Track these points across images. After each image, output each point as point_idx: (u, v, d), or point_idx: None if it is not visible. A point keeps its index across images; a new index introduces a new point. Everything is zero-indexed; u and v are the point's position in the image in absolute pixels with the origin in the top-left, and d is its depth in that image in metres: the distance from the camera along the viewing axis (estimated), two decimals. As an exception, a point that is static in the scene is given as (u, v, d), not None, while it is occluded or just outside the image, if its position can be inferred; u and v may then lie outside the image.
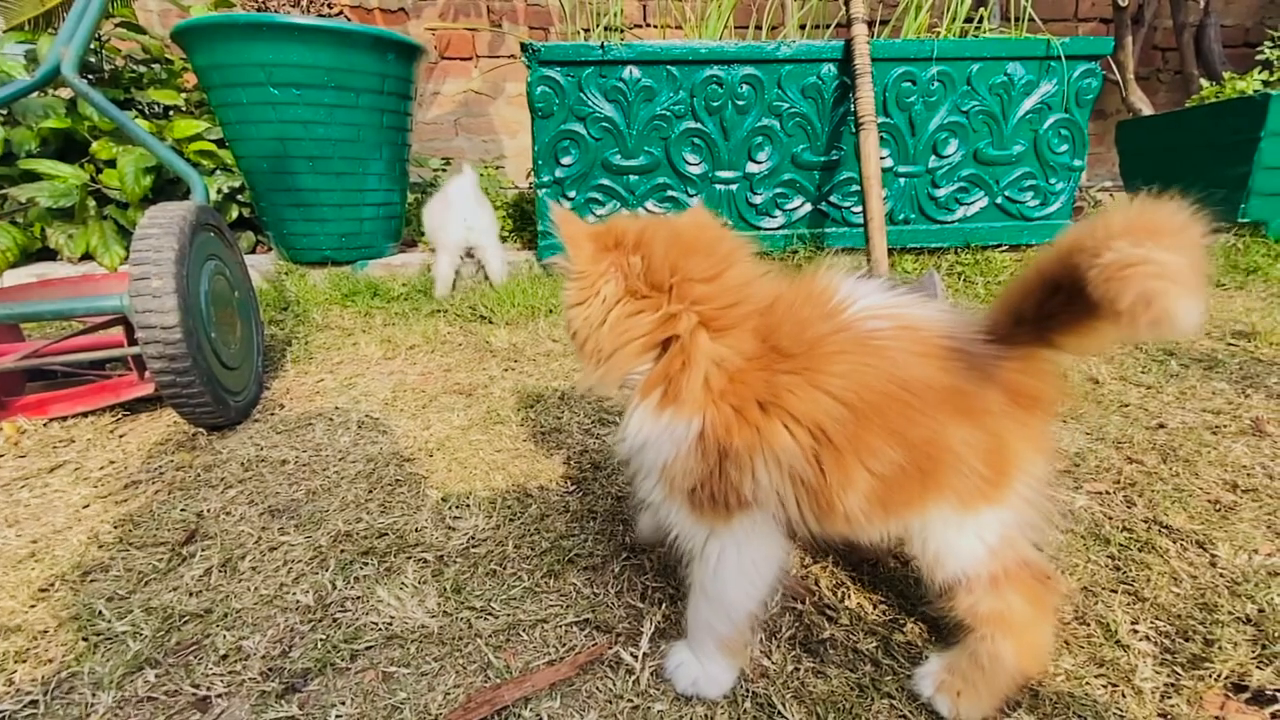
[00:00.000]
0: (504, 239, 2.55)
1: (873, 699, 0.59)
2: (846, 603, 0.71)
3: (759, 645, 0.66)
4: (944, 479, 0.53)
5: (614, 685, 0.62)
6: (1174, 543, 0.79)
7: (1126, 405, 1.18)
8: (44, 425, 1.22)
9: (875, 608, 0.71)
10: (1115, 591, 0.71)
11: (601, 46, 1.85)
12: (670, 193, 2.01)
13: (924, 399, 0.52)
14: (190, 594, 0.76)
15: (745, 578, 0.57)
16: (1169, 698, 0.59)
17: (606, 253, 0.59)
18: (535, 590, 0.75)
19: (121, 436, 1.19)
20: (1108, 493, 0.91)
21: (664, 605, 0.72)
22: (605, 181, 1.98)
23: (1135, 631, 0.66)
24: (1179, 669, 0.62)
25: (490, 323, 1.80)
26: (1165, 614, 0.68)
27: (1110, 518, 0.85)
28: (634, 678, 0.63)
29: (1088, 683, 0.60)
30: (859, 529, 0.57)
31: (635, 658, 0.65)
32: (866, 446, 0.52)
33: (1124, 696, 0.59)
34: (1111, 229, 0.46)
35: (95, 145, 2.11)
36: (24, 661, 0.66)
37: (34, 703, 0.61)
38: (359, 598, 0.74)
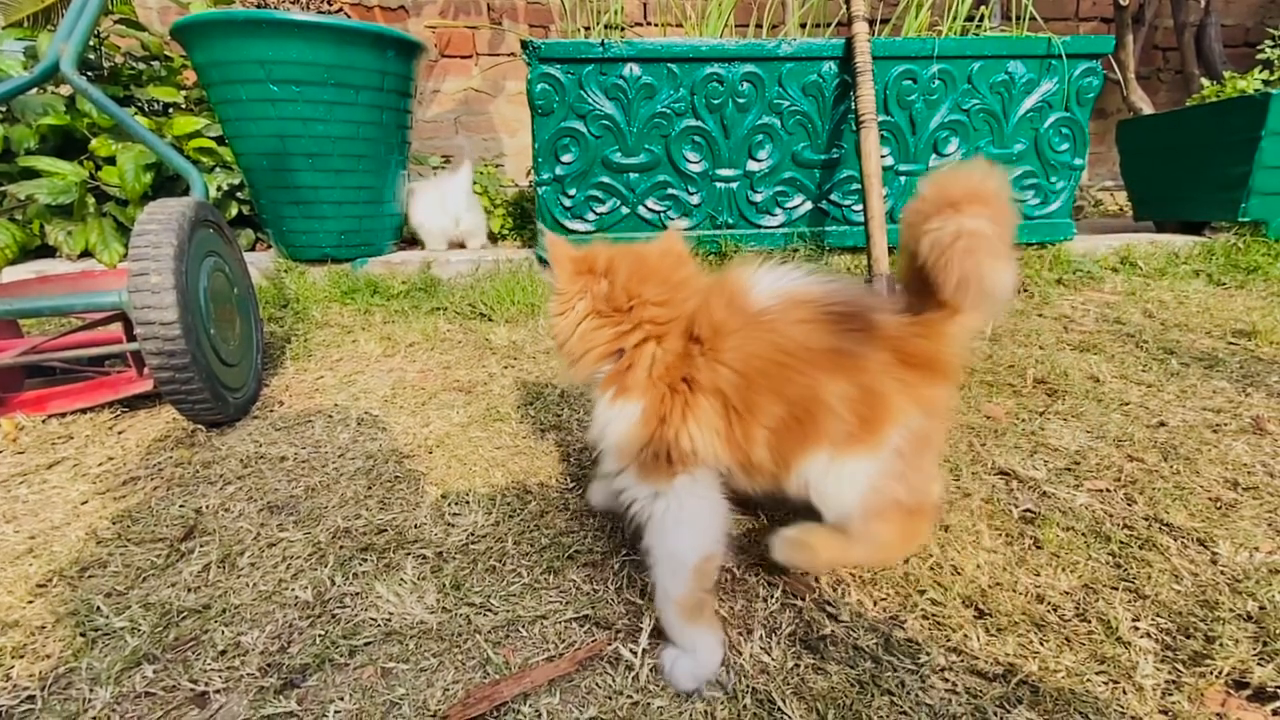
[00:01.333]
0: (503, 237, 2.55)
1: (873, 695, 0.59)
2: (847, 599, 0.71)
3: (759, 642, 0.65)
4: (820, 428, 0.63)
5: (613, 681, 0.62)
6: (1175, 540, 0.79)
7: (1127, 403, 1.17)
8: (43, 422, 1.22)
9: (875, 604, 0.71)
10: (1116, 589, 0.71)
11: (602, 44, 1.85)
12: (670, 191, 2.01)
13: (800, 360, 0.62)
14: (189, 590, 0.76)
15: (687, 528, 0.65)
16: (1170, 695, 0.59)
17: (581, 276, 0.71)
18: (535, 587, 0.75)
19: (120, 433, 1.19)
20: (1108, 490, 0.91)
21: (664, 602, 0.72)
22: (605, 179, 1.98)
23: (1136, 628, 0.66)
24: (1180, 666, 0.62)
25: (490, 320, 1.80)
26: (1166, 611, 0.68)
27: (1111, 515, 0.85)
28: (633, 674, 0.62)
29: (1089, 680, 0.60)
30: (774, 480, 0.67)
31: (635, 654, 0.64)
32: (757, 405, 0.63)
33: (1125, 693, 0.59)
34: (925, 208, 0.55)
35: (94, 142, 2.11)
36: (21, 657, 0.66)
37: (31, 698, 0.61)
38: (358, 594, 0.74)
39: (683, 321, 0.68)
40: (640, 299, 0.68)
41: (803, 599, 0.71)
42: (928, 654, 0.63)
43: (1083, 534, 0.81)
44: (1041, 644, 0.64)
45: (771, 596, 0.72)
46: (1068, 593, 0.71)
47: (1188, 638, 0.65)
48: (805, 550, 0.68)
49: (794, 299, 0.64)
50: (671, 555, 0.64)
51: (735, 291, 0.67)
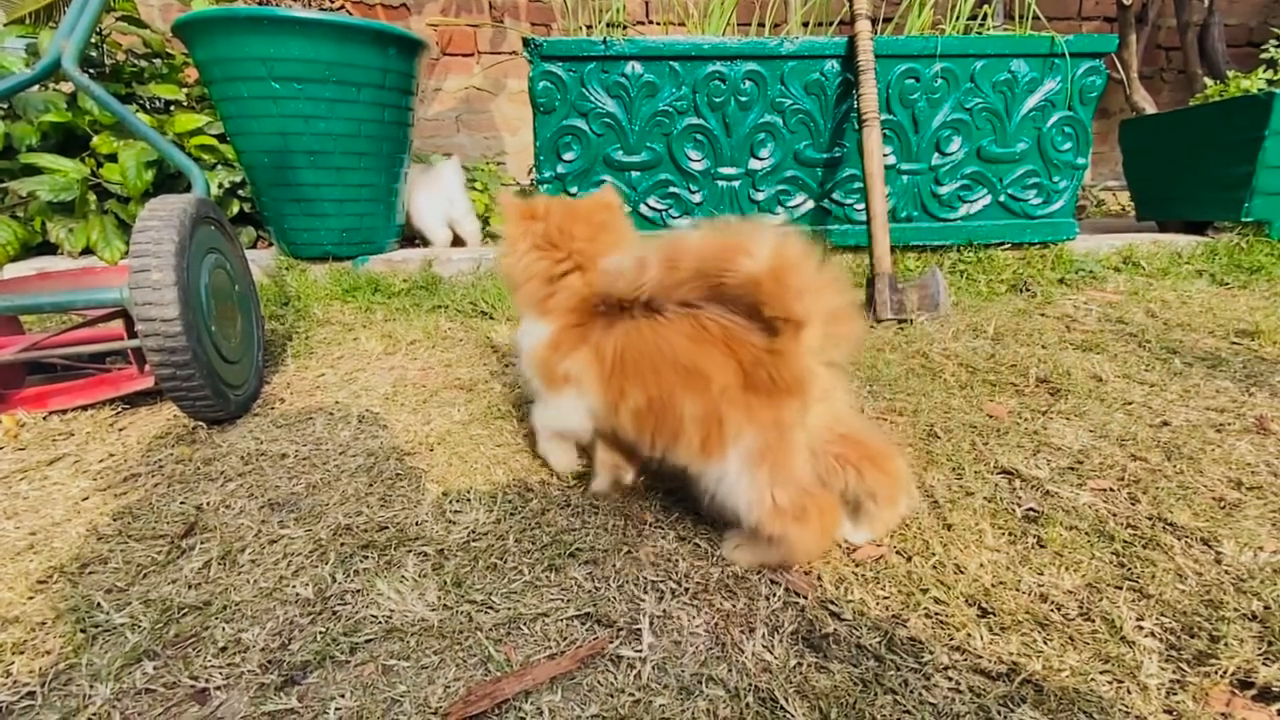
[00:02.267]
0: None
1: (876, 694, 0.59)
2: (850, 598, 0.71)
3: (761, 640, 0.65)
4: (683, 436, 0.73)
5: (615, 679, 0.61)
6: (1179, 540, 0.79)
7: (1130, 403, 1.17)
8: (43, 418, 1.22)
9: (878, 603, 0.70)
10: (1120, 588, 0.71)
11: (604, 42, 1.84)
12: (672, 189, 2.00)
13: (671, 370, 0.72)
14: (189, 586, 0.75)
15: (556, 417, 0.90)
16: (1175, 694, 0.58)
17: (525, 221, 0.87)
18: (536, 584, 0.75)
19: (121, 430, 1.19)
20: (1112, 490, 0.90)
21: (665, 599, 0.72)
22: (607, 178, 1.97)
23: (1140, 628, 0.66)
24: (1185, 666, 0.61)
25: (491, 318, 1.79)
26: (1171, 610, 0.68)
27: (1114, 515, 0.84)
28: (635, 672, 0.62)
29: (1093, 679, 0.60)
30: (633, 441, 0.80)
31: (637, 651, 0.64)
32: (625, 388, 0.76)
33: (1129, 693, 0.59)
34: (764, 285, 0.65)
35: (96, 140, 2.11)
36: (22, 653, 0.66)
37: (31, 694, 0.61)
38: (359, 591, 0.74)
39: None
40: (571, 236, 0.84)
41: (805, 598, 0.71)
42: (931, 653, 0.63)
43: (1086, 533, 0.80)
44: (1045, 643, 0.64)
45: (774, 595, 0.72)
46: (1071, 592, 0.71)
47: (1192, 637, 0.64)
48: (738, 551, 0.77)
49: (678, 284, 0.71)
50: (543, 427, 0.94)
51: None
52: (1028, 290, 1.92)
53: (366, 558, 0.80)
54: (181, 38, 1.89)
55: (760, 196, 2.03)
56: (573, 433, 0.90)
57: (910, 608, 0.69)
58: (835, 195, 2.05)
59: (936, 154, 2.03)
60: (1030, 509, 0.86)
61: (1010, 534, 0.81)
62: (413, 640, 0.67)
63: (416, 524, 0.86)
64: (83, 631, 0.68)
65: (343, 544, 0.82)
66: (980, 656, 0.62)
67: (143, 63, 2.40)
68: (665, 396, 0.73)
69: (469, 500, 0.92)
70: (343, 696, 0.60)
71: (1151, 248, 2.22)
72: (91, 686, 0.62)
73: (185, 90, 2.36)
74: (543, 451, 0.97)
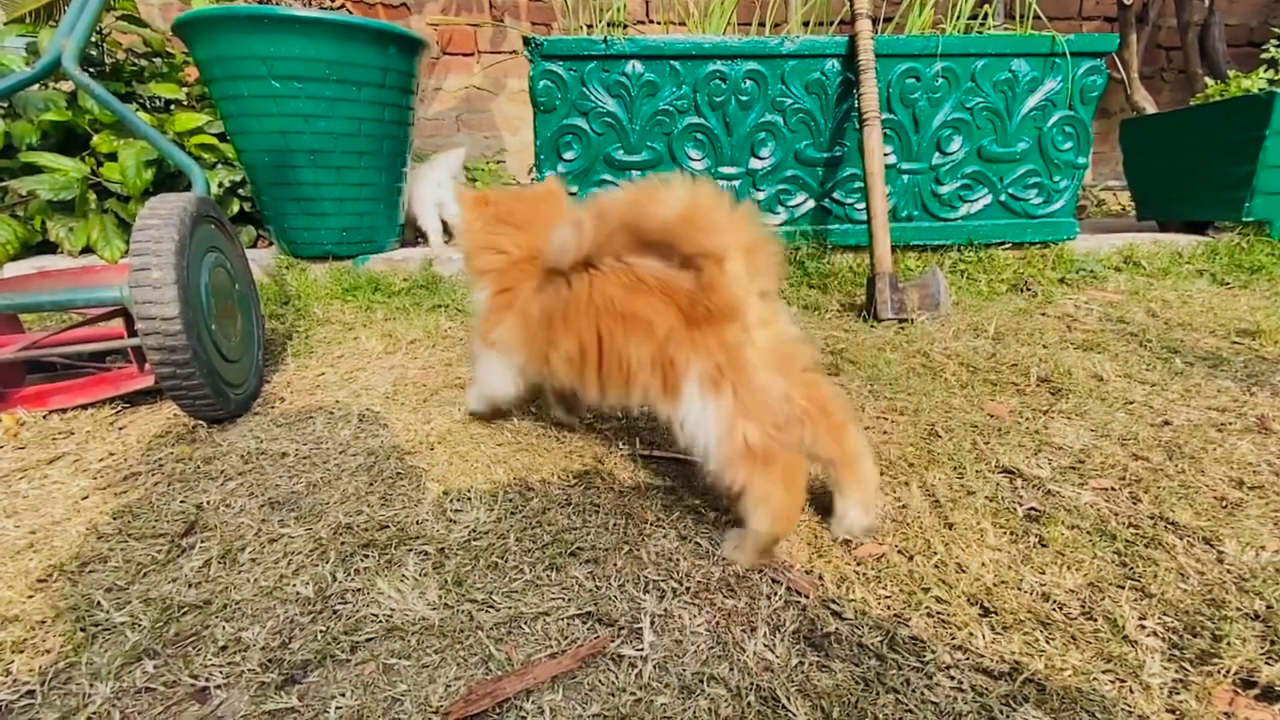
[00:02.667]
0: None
1: (878, 693, 0.58)
2: (851, 597, 0.71)
3: (763, 639, 0.65)
4: (635, 380, 0.78)
5: (616, 678, 0.61)
6: (1181, 539, 0.79)
7: (1131, 402, 1.17)
8: (43, 417, 1.22)
9: (879, 602, 0.70)
10: (1122, 587, 0.71)
11: (604, 41, 1.84)
12: (673, 188, 2.00)
13: (608, 317, 0.77)
14: (189, 585, 0.75)
15: (488, 376, 1.02)
16: (1177, 694, 0.58)
17: (478, 208, 1.02)
18: (537, 583, 0.75)
19: (121, 429, 1.19)
20: (1113, 489, 0.90)
21: (666, 598, 0.71)
22: (607, 177, 1.97)
23: (1143, 627, 0.65)
24: (1187, 665, 0.61)
25: (491, 318, 1.79)
26: (1173, 610, 0.68)
27: (1116, 514, 0.84)
28: (636, 671, 0.62)
29: (1095, 678, 0.60)
30: (572, 387, 0.87)
31: (638, 650, 0.64)
32: (553, 338, 0.83)
33: (1132, 692, 0.58)
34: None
35: (96, 139, 2.11)
36: (21, 652, 0.66)
37: (31, 693, 0.61)
38: (359, 590, 0.74)
39: (539, 236, 0.91)
40: (512, 217, 0.99)
41: (807, 597, 0.71)
42: (933, 652, 0.63)
43: (1088, 532, 0.80)
44: (1047, 642, 0.63)
45: (775, 594, 0.72)
46: (1073, 591, 0.71)
47: (1195, 636, 0.64)
48: (739, 550, 0.77)
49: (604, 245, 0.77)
50: (481, 385, 1.05)
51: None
52: (1028, 290, 1.92)
53: (367, 556, 0.79)
54: (181, 36, 1.89)
55: (761, 196, 2.03)
56: (497, 391, 1.03)
57: (912, 607, 0.69)
58: (836, 194, 2.05)
59: (937, 153, 2.03)
60: (1032, 508, 0.86)
61: (1012, 533, 0.81)
62: (413, 639, 0.66)
63: (417, 523, 0.86)
64: (83, 630, 0.68)
65: (343, 543, 0.82)
66: (982, 655, 0.62)
67: (143, 62, 2.40)
68: (606, 343, 0.78)
69: (470, 499, 0.91)
70: (343, 695, 0.60)
71: (1152, 247, 2.22)
72: (91, 685, 0.61)
73: (185, 89, 2.36)
74: (469, 398, 1.13)
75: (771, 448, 0.72)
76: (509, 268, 0.96)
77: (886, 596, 0.71)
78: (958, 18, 2.06)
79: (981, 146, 2.03)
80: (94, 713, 0.59)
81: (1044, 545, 0.78)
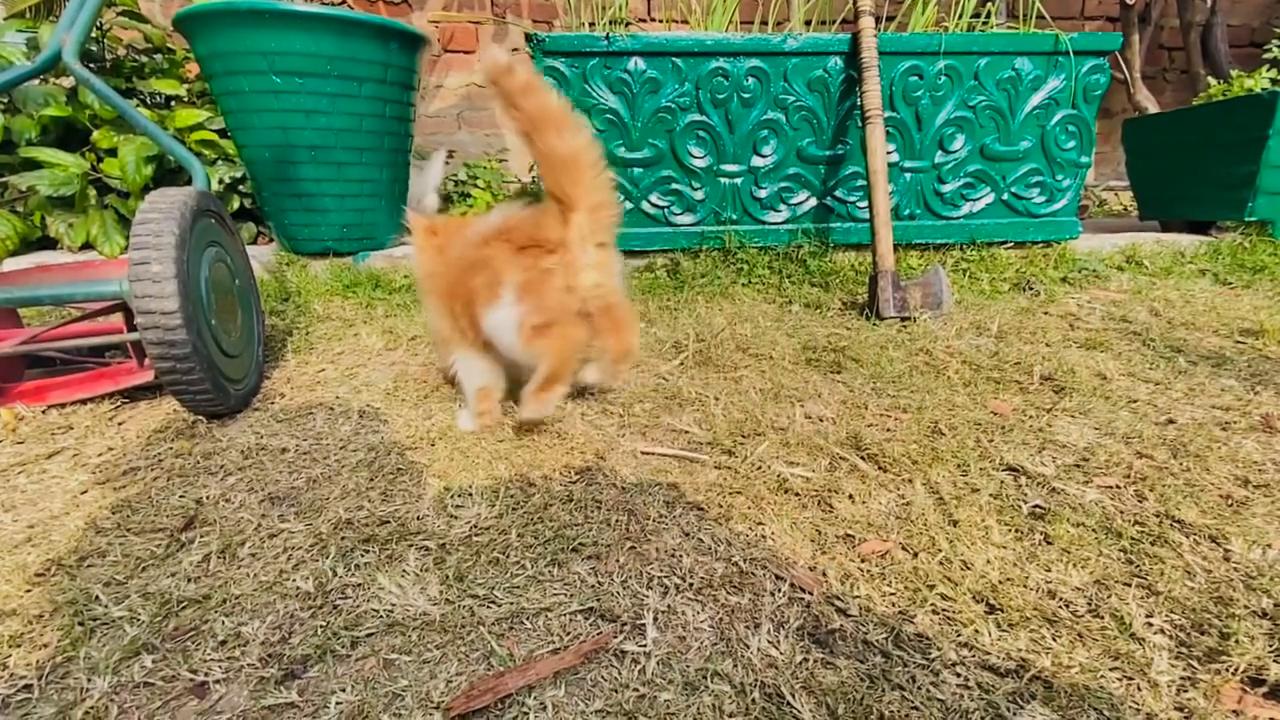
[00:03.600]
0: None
1: (884, 690, 0.58)
2: (855, 594, 0.70)
3: (767, 636, 0.65)
4: (479, 301, 0.99)
5: (619, 674, 0.61)
6: (1187, 537, 0.78)
7: (1135, 401, 1.16)
8: (42, 412, 1.21)
9: (884, 599, 0.70)
10: (1129, 585, 0.70)
11: (607, 37, 1.84)
12: (674, 186, 2.00)
13: (466, 269, 1.02)
14: (188, 580, 0.75)
15: (464, 376, 1.14)
16: (1185, 691, 0.58)
17: (426, 235, 1.16)
18: (538, 579, 0.74)
19: (120, 424, 1.18)
20: (1118, 487, 0.90)
21: (669, 594, 0.71)
22: (610, 173, 1.96)
23: (1150, 625, 0.65)
24: (1195, 663, 0.61)
25: (492, 315, 1.79)
26: (1180, 608, 0.67)
27: (1121, 512, 0.84)
28: (639, 667, 0.61)
29: (1103, 676, 0.59)
30: (457, 316, 1.07)
31: (641, 647, 0.64)
32: (454, 294, 1.05)
33: (1140, 690, 0.58)
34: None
35: (96, 134, 2.10)
36: (19, 646, 0.65)
37: (28, 687, 0.60)
38: (360, 585, 0.73)
39: (449, 245, 1.11)
40: (444, 231, 1.15)
41: (811, 593, 0.70)
42: (939, 649, 0.62)
43: (1093, 530, 0.80)
44: (1054, 640, 0.63)
45: (779, 591, 0.71)
46: (1079, 588, 0.70)
47: (1202, 634, 0.64)
48: (528, 398, 0.99)
49: (474, 229, 1.04)
50: (463, 389, 1.15)
51: (466, 226, 1.10)
52: (1031, 289, 1.91)
53: (367, 552, 0.79)
54: (182, 31, 1.88)
55: (762, 194, 2.03)
56: (440, 328, 1.19)
57: (917, 604, 0.68)
58: (838, 193, 2.05)
59: (940, 152, 2.02)
60: (1036, 506, 0.85)
61: (1017, 530, 0.80)
62: (414, 634, 0.66)
63: (418, 518, 0.86)
64: (80, 624, 0.68)
65: (343, 538, 0.81)
66: (989, 653, 0.62)
67: (143, 58, 2.39)
68: (468, 285, 1.01)
69: (470, 495, 0.91)
70: (343, 691, 0.59)
71: (1155, 247, 2.22)
72: (89, 679, 0.61)
73: (186, 86, 2.35)
74: (460, 423, 1.18)
75: (549, 321, 0.95)
76: (438, 261, 1.13)
77: (891, 593, 0.70)
78: (960, 17, 2.05)
79: (984, 145, 2.02)
80: (91, 707, 0.58)
81: (1049, 543, 0.78)
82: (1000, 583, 0.71)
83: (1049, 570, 0.73)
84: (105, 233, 2.09)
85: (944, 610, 0.67)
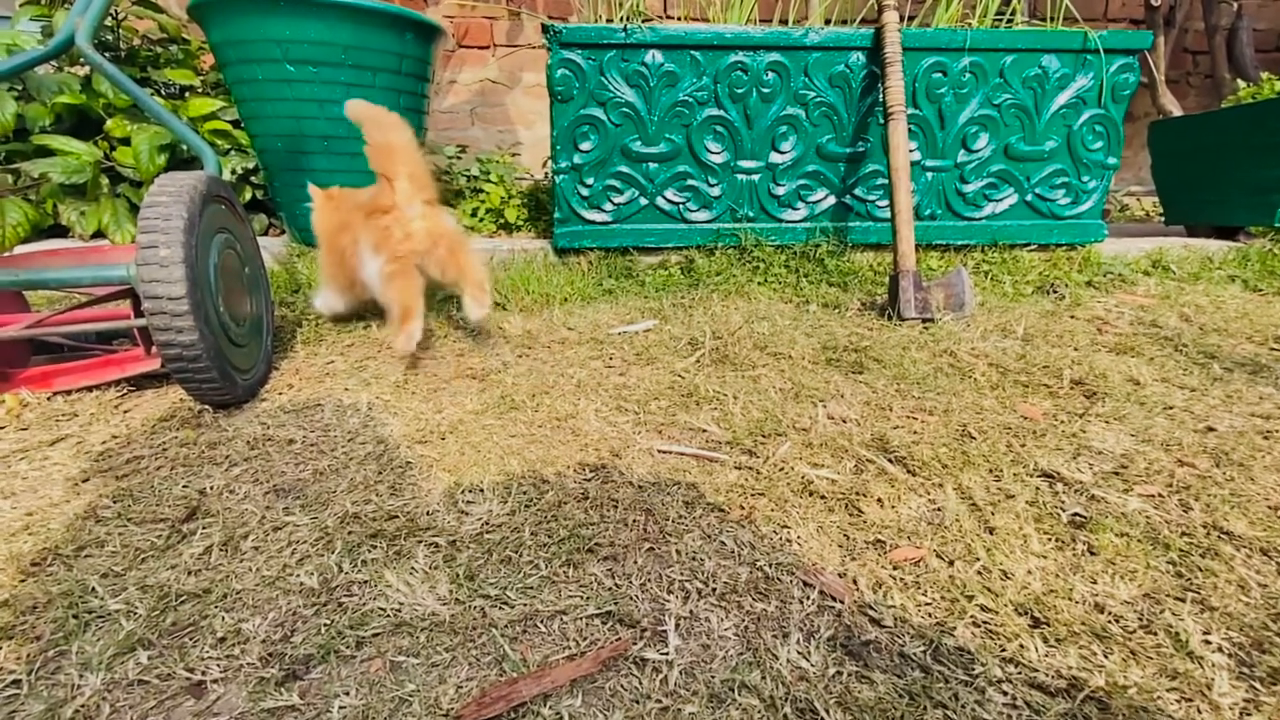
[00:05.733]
0: (518, 228, 2.51)
1: (925, 708, 0.54)
2: (889, 603, 0.66)
3: (797, 646, 0.61)
4: (352, 259, 1.36)
5: (640, 683, 0.57)
6: (1237, 550, 0.74)
7: (1171, 407, 1.12)
8: (47, 399, 1.19)
9: (920, 610, 0.66)
10: (1182, 599, 0.66)
11: (624, 30, 1.81)
12: (690, 181, 1.96)
13: (341, 232, 1.39)
14: (189, 573, 0.72)
15: (325, 299, 1.54)
16: (1249, 715, 0.54)
17: (325, 200, 1.47)
18: (553, 579, 0.71)
19: (126, 412, 1.16)
20: (1161, 496, 0.85)
21: (691, 599, 0.67)
22: (624, 169, 1.93)
23: (1207, 642, 0.61)
24: (1258, 684, 0.56)
25: (504, 309, 1.76)
26: (1237, 624, 0.63)
27: (1167, 522, 0.79)
28: (661, 676, 0.58)
29: (1160, 696, 0.55)
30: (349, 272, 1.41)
31: (663, 654, 0.60)
32: (333, 249, 1.42)
33: (1200, 712, 0.54)
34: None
35: (109, 123, 2.09)
36: (10, 638, 0.62)
37: (17, 682, 0.57)
38: (366, 582, 0.70)
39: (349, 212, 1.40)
40: (345, 197, 1.44)
41: (841, 602, 0.67)
42: (982, 664, 0.58)
43: (1139, 540, 0.75)
44: (1106, 657, 0.59)
45: (807, 598, 0.67)
46: (1129, 602, 0.66)
47: (1263, 653, 0.59)
48: (394, 335, 1.27)
49: (354, 202, 1.40)
50: (322, 296, 1.56)
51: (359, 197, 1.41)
52: (1055, 292, 1.86)
53: (375, 547, 0.76)
54: (197, 19, 1.86)
55: (780, 191, 1.99)
56: (332, 307, 1.57)
57: (956, 615, 0.64)
58: (857, 191, 2.01)
59: (963, 151, 1.98)
60: (1076, 514, 0.81)
61: (1057, 539, 0.76)
62: (423, 635, 0.63)
63: (427, 514, 0.82)
64: (75, 617, 0.65)
65: (350, 533, 0.78)
66: (1036, 670, 0.58)
67: (158, 48, 2.38)
68: (334, 245, 1.40)
69: (482, 491, 0.88)
70: (347, 694, 0.56)
71: (1182, 252, 2.16)
72: (81, 676, 0.58)
73: (201, 77, 2.34)
74: (316, 304, 1.60)
75: (395, 271, 1.26)
76: (337, 227, 1.43)
77: (927, 603, 0.66)
78: (983, 15, 2.01)
79: (1009, 144, 1.97)
80: (82, 705, 0.55)
81: (1093, 553, 0.74)
82: (1044, 595, 0.67)
83: (1095, 582, 0.69)
84: (117, 221, 2.08)
85: (985, 623, 0.63)
